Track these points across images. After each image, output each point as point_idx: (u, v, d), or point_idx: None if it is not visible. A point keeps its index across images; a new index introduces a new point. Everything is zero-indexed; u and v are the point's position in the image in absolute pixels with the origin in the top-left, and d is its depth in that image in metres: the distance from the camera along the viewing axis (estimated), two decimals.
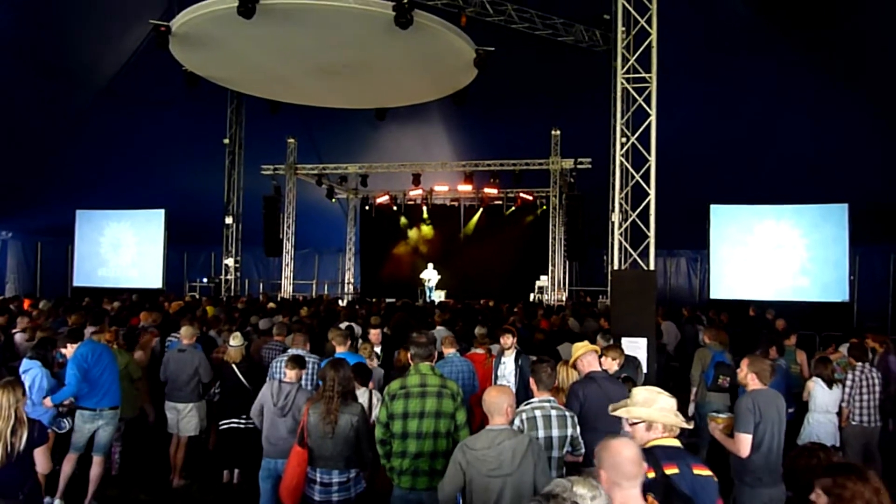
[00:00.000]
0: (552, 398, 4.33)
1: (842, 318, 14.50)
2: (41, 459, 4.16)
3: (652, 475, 2.94)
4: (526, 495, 3.32)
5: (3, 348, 7.71)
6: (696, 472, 3.10)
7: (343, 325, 8.26)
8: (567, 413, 4.28)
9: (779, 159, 16.30)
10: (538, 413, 4.22)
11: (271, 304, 13.32)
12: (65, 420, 5.94)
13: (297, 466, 4.49)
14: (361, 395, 5.31)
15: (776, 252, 15.63)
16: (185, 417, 6.82)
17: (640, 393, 3.33)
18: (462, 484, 3.56)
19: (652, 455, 3.03)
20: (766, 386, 4.56)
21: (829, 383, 6.63)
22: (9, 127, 16.24)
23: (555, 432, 4.20)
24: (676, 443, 3.22)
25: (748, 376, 4.59)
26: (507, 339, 6.84)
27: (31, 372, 5.98)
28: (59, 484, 6.01)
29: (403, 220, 23.60)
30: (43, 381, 5.95)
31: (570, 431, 4.24)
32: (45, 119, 17.17)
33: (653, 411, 3.23)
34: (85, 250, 20.44)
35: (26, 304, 12.39)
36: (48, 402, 5.89)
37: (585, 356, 5.06)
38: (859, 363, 6.78)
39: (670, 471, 3.05)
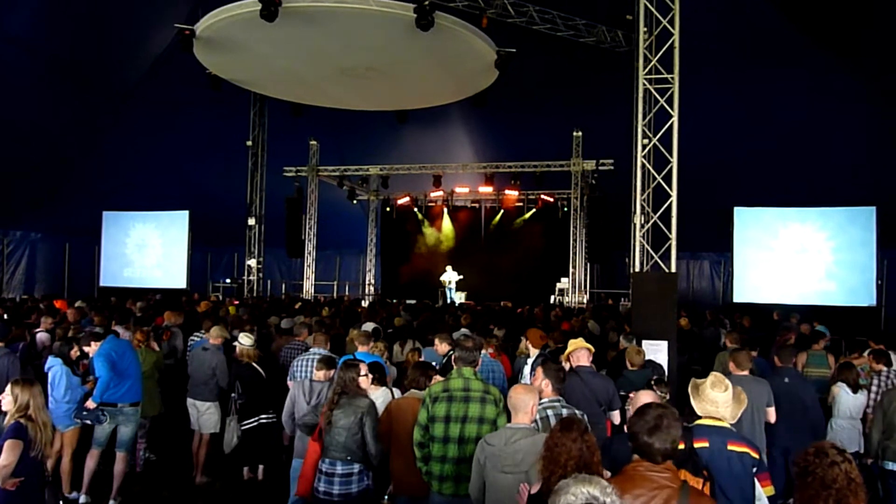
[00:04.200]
0: (562, 398, 4.34)
1: (869, 322, 14.25)
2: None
3: (682, 447, 3.12)
4: None
5: (28, 347, 7.87)
6: (730, 447, 3.48)
7: (369, 327, 8.36)
8: (577, 413, 4.27)
9: (805, 161, 16.08)
10: (550, 413, 4.22)
11: (298, 304, 13.48)
12: (103, 413, 6.06)
13: (314, 454, 4.66)
14: (380, 394, 5.35)
15: (801, 255, 15.43)
16: (204, 414, 6.91)
17: (706, 381, 3.77)
18: (483, 480, 3.61)
19: (690, 431, 3.48)
20: (746, 372, 5.52)
21: (854, 388, 6.54)
22: (37, 131, 16.59)
23: None
24: (720, 423, 3.60)
25: (730, 364, 5.61)
26: (523, 342, 6.82)
27: (54, 370, 6.14)
28: (84, 479, 6.14)
29: (424, 221, 23.67)
30: (63, 379, 6.09)
31: None
32: (73, 123, 17.52)
33: (701, 398, 3.72)
34: (111, 251, 20.82)
35: (59, 304, 12.61)
36: (91, 403, 6.04)
37: (577, 352, 5.41)
38: (884, 368, 6.68)
39: (700, 444, 3.48)
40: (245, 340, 6.85)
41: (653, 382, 5.27)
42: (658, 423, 2.71)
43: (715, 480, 3.34)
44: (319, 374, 5.48)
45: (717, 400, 3.65)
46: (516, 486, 3.28)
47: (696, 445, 3.45)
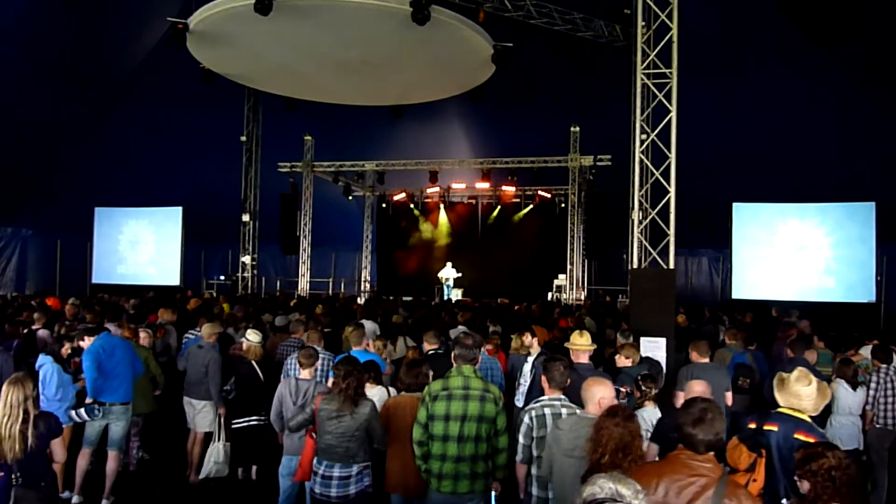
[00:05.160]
0: (563, 397, 4.34)
1: (868, 319, 14.29)
2: (58, 450, 4.40)
3: (752, 426, 3.95)
4: None
5: (24, 344, 7.84)
6: (796, 435, 3.76)
7: (371, 326, 8.37)
8: (578, 411, 4.27)
9: (803, 156, 16.10)
10: (548, 411, 4.22)
11: (294, 301, 13.45)
12: (96, 407, 6.05)
13: (311, 450, 4.67)
14: (376, 392, 5.35)
15: (800, 251, 15.46)
16: (199, 413, 6.89)
17: (791, 376, 4.06)
18: (551, 462, 3.84)
19: (766, 415, 4.00)
20: (707, 360, 6.06)
21: (853, 385, 6.55)
22: (28, 126, 16.52)
23: None
24: (798, 414, 3.90)
25: (692, 353, 6.11)
26: (527, 339, 6.82)
27: (45, 367, 6.11)
28: (76, 478, 6.13)
29: (420, 217, 23.66)
30: (54, 376, 6.06)
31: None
32: (63, 118, 17.43)
33: (785, 391, 4.01)
34: (103, 248, 20.76)
35: (50, 301, 12.58)
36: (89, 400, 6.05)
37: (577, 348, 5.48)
38: (883, 365, 6.69)
39: (769, 427, 3.87)
40: (253, 337, 6.82)
41: (639, 378, 5.30)
42: (702, 415, 2.92)
43: (774, 461, 3.77)
44: (306, 373, 5.43)
45: (800, 393, 3.93)
46: (578, 469, 3.46)
47: (765, 428, 3.88)
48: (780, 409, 3.99)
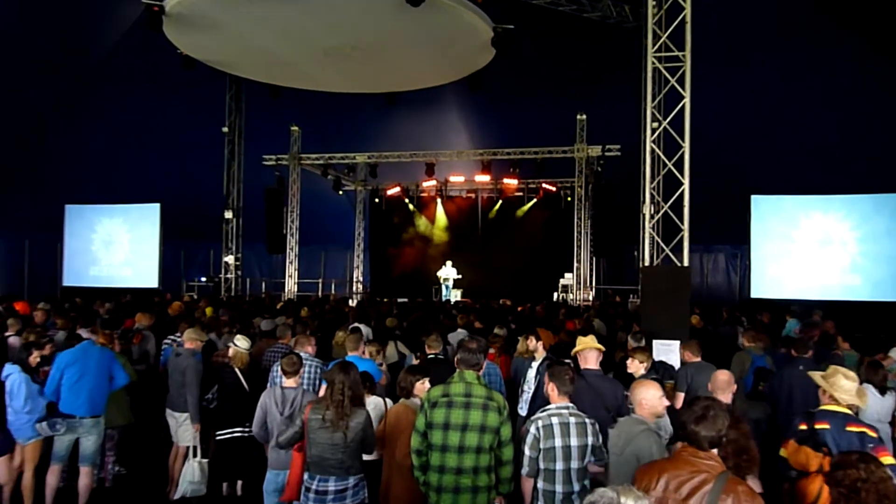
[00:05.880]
0: (571, 404, 4.34)
1: None
2: (1, 469, 4.22)
3: (803, 427, 4.36)
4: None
5: None
6: (848, 428, 4.22)
7: (365, 331, 8.35)
8: (587, 420, 4.27)
9: (827, 146, 16.11)
10: (555, 420, 4.22)
11: (280, 304, 13.44)
12: (59, 421, 6.02)
13: (300, 466, 4.63)
14: (372, 402, 5.33)
15: (824, 247, 15.46)
16: (181, 425, 6.87)
17: (836, 372, 4.56)
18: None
19: (812, 416, 4.41)
20: (698, 359, 6.58)
21: (882, 390, 6.54)
22: None
23: (573, 441, 4.19)
24: (843, 410, 4.38)
25: (685, 354, 6.66)
26: (531, 342, 6.81)
27: (12, 377, 6.07)
28: (46, 497, 6.10)
29: (416, 213, 23.64)
30: (22, 387, 6.02)
31: (590, 440, 4.24)
32: (30, 107, 17.36)
33: (829, 384, 4.50)
34: (75, 248, 20.70)
35: (19, 306, 12.52)
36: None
37: (585, 352, 5.55)
38: None
39: (821, 426, 4.28)
40: (242, 343, 6.78)
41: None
42: (705, 413, 3.16)
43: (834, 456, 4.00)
44: (291, 381, 5.39)
45: (847, 389, 4.42)
46: (625, 467, 3.82)
47: (816, 427, 4.29)
48: (823, 408, 4.44)
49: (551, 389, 4.40)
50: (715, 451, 3.15)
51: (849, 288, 15.22)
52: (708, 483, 2.98)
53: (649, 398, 4.14)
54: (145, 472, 7.49)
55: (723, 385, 5.09)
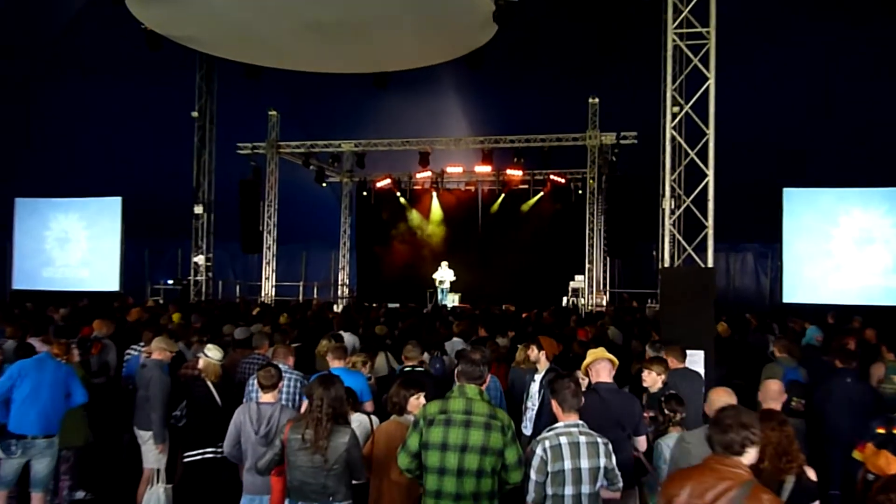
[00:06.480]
0: (581, 422, 4.34)
1: None
2: None
3: (881, 431, 4.99)
4: None
5: None
6: None
7: (350, 340, 8.36)
8: (600, 440, 4.26)
9: (868, 133, 16.15)
10: (564, 440, 4.21)
11: (257, 309, 13.44)
12: (13, 442, 6.01)
13: (280, 493, 4.61)
14: (356, 419, 5.34)
15: (864, 246, 15.52)
16: (145, 444, 6.87)
17: None
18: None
19: (892, 420, 5.07)
20: (683, 365, 6.76)
21: None
22: None
23: (584, 463, 4.18)
24: None
25: (668, 360, 6.61)
26: (533, 352, 6.82)
27: None
28: None
29: (408, 208, 23.65)
30: None
31: (602, 461, 4.23)
32: None
33: None
34: (26, 246, 20.70)
35: None
36: None
37: (596, 364, 5.44)
38: None
39: None
40: (213, 354, 6.77)
41: (662, 399, 5.35)
42: (733, 421, 3.35)
43: None
44: (268, 396, 5.38)
45: None
46: None
47: (895, 431, 4.91)
48: None
49: (555, 407, 4.40)
50: (745, 459, 3.33)
51: (892, 291, 15.27)
52: (732, 490, 3.19)
53: (720, 403, 4.27)
54: (109, 497, 7.48)
55: (774, 395, 5.21)
